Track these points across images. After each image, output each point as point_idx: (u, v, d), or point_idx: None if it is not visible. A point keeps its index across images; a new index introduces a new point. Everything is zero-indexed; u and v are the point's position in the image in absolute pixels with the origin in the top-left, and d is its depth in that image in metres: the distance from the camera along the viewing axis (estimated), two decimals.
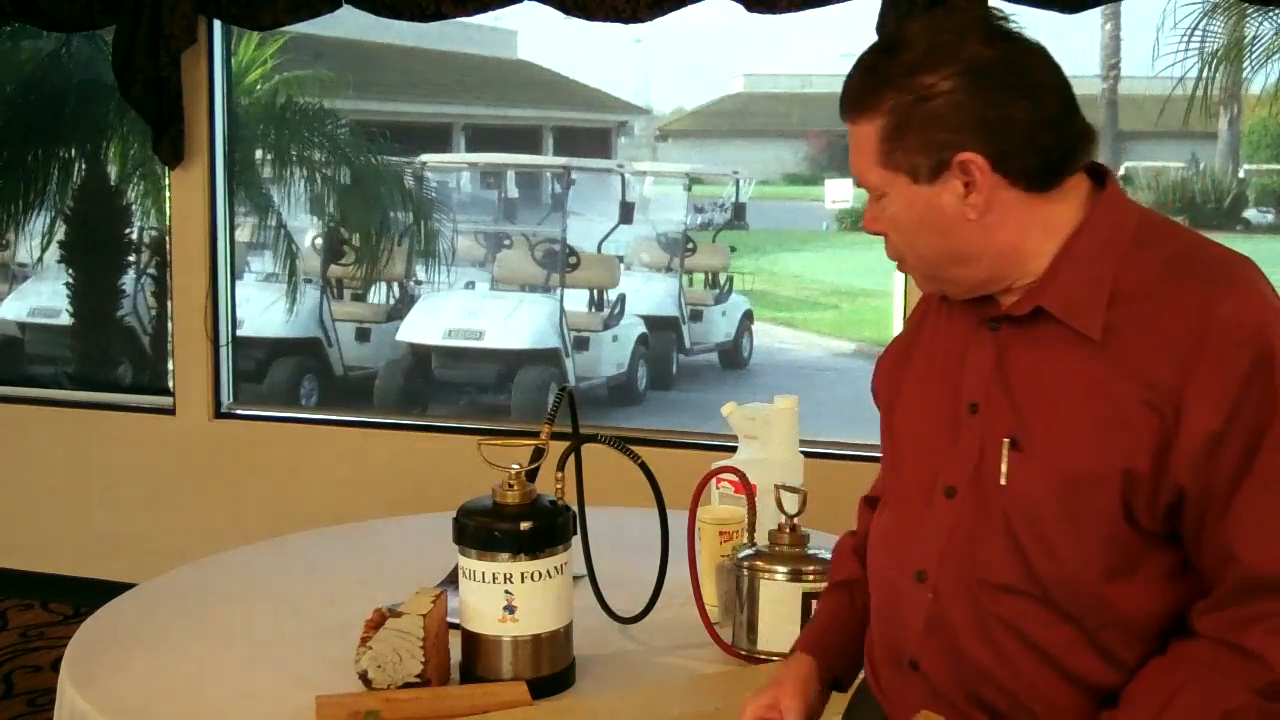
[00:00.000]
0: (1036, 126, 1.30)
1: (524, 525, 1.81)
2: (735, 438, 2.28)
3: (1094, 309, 1.30)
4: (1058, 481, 1.30)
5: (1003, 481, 1.33)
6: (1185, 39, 5.11)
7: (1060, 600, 1.32)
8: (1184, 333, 1.26)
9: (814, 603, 1.74)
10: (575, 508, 1.93)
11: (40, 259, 6.07)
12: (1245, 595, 1.26)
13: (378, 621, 1.86)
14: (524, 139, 13.09)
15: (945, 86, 1.29)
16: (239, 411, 4.39)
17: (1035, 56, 1.32)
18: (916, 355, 1.51)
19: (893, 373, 1.54)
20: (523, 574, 1.82)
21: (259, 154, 6.31)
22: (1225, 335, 1.25)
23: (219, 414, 4.33)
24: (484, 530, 1.82)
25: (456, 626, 1.91)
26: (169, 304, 4.54)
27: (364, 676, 1.84)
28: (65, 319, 6.20)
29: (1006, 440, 1.33)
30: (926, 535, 1.40)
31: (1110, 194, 1.36)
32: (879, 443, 1.56)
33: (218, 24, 4.17)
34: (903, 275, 3.49)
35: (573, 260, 8.60)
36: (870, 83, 1.34)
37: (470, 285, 9.22)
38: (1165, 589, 1.31)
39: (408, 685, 1.84)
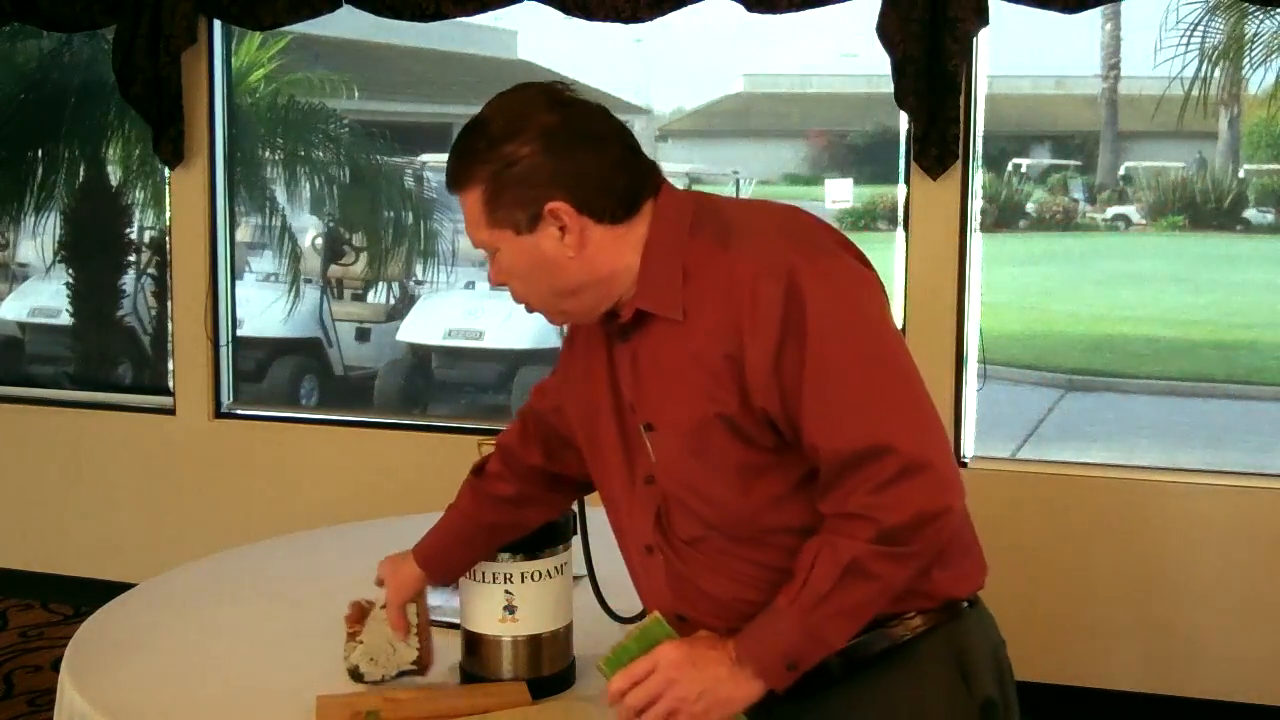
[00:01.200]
0: (606, 170, 1.55)
1: None
2: None
3: (671, 294, 1.55)
4: (679, 442, 1.57)
5: (653, 458, 1.60)
6: (1185, 36, 5.11)
7: (730, 530, 1.58)
8: (729, 287, 1.51)
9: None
10: (575, 508, 1.93)
11: (55, 260, 6.06)
12: (837, 474, 1.49)
13: (359, 615, 1.86)
14: None
15: (525, 151, 1.53)
16: (239, 411, 4.40)
17: (596, 114, 1.57)
18: (577, 367, 1.74)
19: (565, 380, 1.79)
20: (523, 574, 1.82)
21: (260, 153, 6.31)
22: (754, 279, 1.49)
23: (219, 414, 4.33)
24: None
25: (456, 626, 1.91)
26: (169, 304, 4.54)
27: (355, 672, 1.84)
28: (65, 319, 6.19)
29: (643, 425, 1.60)
30: (639, 518, 1.65)
31: (664, 198, 1.59)
32: None
33: (218, 24, 4.17)
34: (902, 273, 3.49)
35: None
36: (464, 161, 1.57)
37: (470, 285, 9.21)
38: (804, 497, 1.54)
39: (402, 674, 1.83)
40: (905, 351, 1.56)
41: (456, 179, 1.58)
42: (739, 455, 1.54)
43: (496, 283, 1.63)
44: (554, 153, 1.53)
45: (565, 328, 1.79)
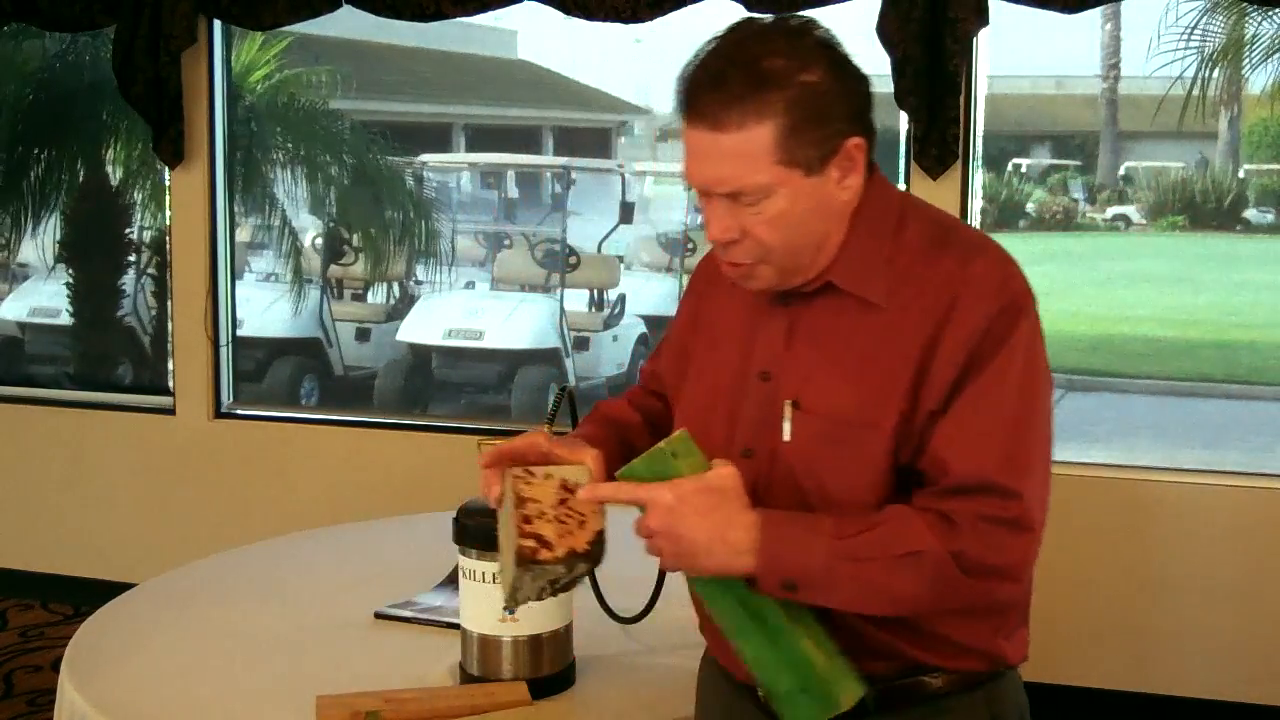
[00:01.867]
0: (871, 108, 1.44)
1: None
2: None
3: (875, 277, 1.46)
4: (832, 435, 1.45)
5: (786, 439, 1.47)
6: (1185, 36, 5.12)
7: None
8: (943, 290, 1.43)
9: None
10: None
11: (59, 260, 6.06)
12: (956, 489, 1.41)
13: (512, 480, 1.49)
14: (524, 139, 13.08)
15: (821, 79, 1.39)
16: (239, 411, 4.40)
17: (842, 46, 1.44)
18: (701, 331, 1.64)
19: (687, 335, 1.67)
20: None
21: (260, 154, 6.31)
22: (976, 288, 1.43)
23: (219, 414, 4.33)
24: (484, 530, 1.82)
25: (456, 626, 1.91)
26: (169, 304, 4.54)
27: (530, 556, 1.44)
28: (65, 319, 6.20)
29: (789, 402, 1.48)
30: None
31: (880, 179, 1.50)
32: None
33: (218, 24, 4.17)
34: None
35: (573, 260, 8.59)
36: (755, 88, 1.38)
37: (470, 285, 9.22)
38: None
39: (576, 556, 1.48)
40: (1052, 437, 1.52)
41: (742, 109, 1.38)
42: (878, 467, 1.45)
43: (726, 239, 1.45)
44: (844, 82, 1.42)
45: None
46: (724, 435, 1.53)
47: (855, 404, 1.44)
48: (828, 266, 1.48)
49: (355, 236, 7.62)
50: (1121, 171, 13.54)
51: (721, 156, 1.40)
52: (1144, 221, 13.57)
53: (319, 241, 8.14)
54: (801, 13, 1.59)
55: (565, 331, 8.22)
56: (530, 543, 1.44)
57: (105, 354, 6.16)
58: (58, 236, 5.94)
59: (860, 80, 1.44)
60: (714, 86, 1.39)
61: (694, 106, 1.41)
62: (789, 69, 1.38)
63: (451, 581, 2.08)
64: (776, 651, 1.44)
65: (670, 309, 9.41)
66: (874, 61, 3.47)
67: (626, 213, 9.36)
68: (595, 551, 1.49)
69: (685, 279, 9.97)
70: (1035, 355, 1.46)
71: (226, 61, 4.30)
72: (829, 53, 1.42)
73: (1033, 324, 1.46)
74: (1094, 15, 3.91)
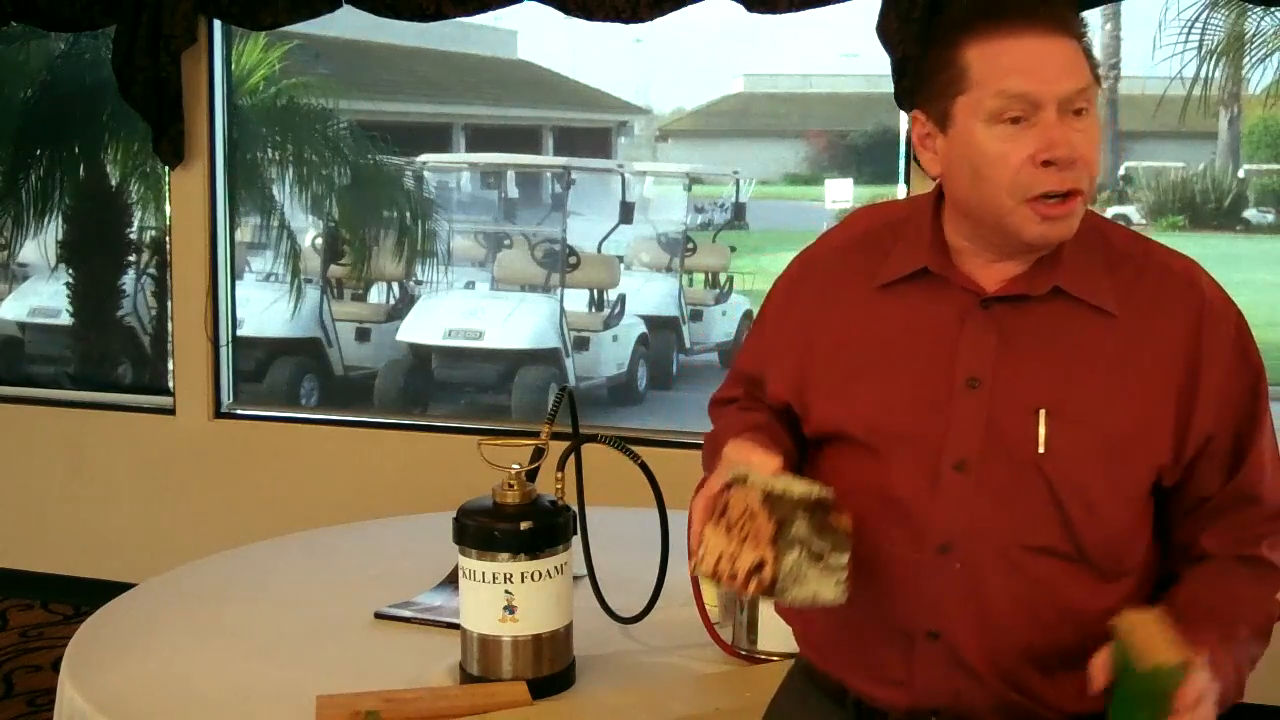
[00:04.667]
0: None
1: (524, 525, 1.81)
2: None
3: (1101, 284, 1.42)
4: (1102, 446, 1.40)
5: (1041, 449, 1.40)
6: (1185, 32, 5.11)
7: (1094, 557, 1.42)
8: (1181, 301, 1.42)
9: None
10: (575, 508, 1.93)
11: (60, 261, 6.06)
12: (1263, 521, 1.45)
13: (731, 503, 1.34)
14: (524, 139, 13.07)
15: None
16: (239, 411, 4.39)
17: None
18: (844, 345, 1.50)
19: (799, 352, 1.54)
20: (523, 574, 1.82)
21: (260, 154, 6.31)
22: (1213, 303, 1.43)
23: (219, 414, 4.33)
24: (484, 530, 1.82)
25: (456, 626, 1.91)
26: (169, 304, 4.54)
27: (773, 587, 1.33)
28: (65, 319, 6.19)
29: (1042, 410, 1.40)
30: (944, 509, 1.42)
31: None
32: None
33: (218, 24, 4.17)
34: None
35: (573, 260, 8.59)
36: (1071, 7, 1.43)
37: (470, 285, 9.21)
38: (1153, 540, 1.47)
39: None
40: None
41: (1068, 21, 1.39)
42: (1145, 483, 1.43)
43: (1070, 156, 1.36)
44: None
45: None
46: (930, 451, 1.43)
47: (1123, 414, 1.40)
48: (1057, 269, 1.42)
49: (355, 237, 7.61)
50: (1121, 171, 13.53)
51: (1078, 61, 1.38)
52: (1144, 221, 13.56)
53: (319, 242, 8.14)
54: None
55: (565, 331, 8.22)
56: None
57: (105, 354, 6.15)
58: (58, 236, 5.93)
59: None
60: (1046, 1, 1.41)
61: (1038, 15, 1.38)
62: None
63: (451, 581, 2.08)
64: None
65: (671, 309, 9.45)
66: (874, 61, 3.48)
67: (626, 213, 9.36)
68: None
69: (685, 279, 9.99)
70: (1262, 369, 1.49)
71: (226, 61, 4.30)
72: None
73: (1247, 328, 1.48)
74: (1094, 15, 3.90)
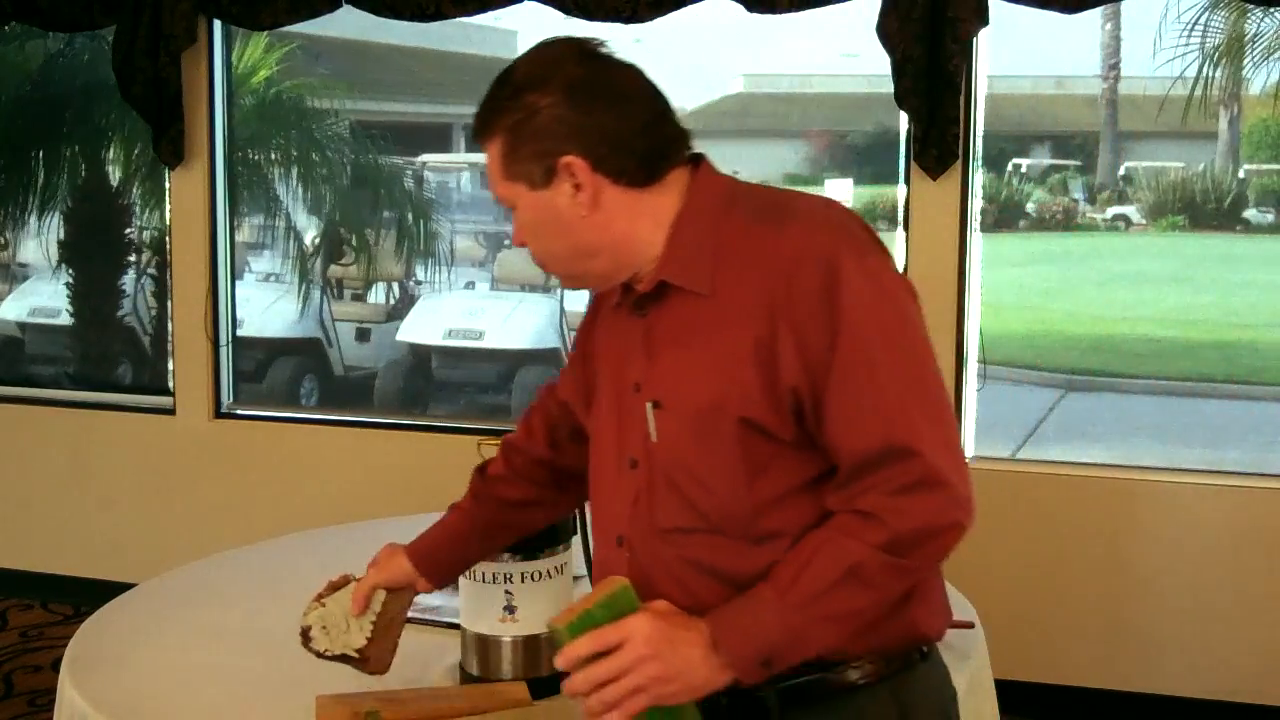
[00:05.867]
0: (629, 130, 1.51)
1: None
2: None
3: (700, 268, 1.50)
4: (693, 423, 1.49)
5: (653, 439, 1.52)
6: (1186, 33, 5.12)
7: (724, 525, 1.49)
8: (765, 265, 1.46)
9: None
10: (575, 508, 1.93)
11: (61, 261, 6.05)
12: (856, 471, 1.44)
13: (339, 585, 1.85)
14: None
15: (547, 103, 1.49)
16: (239, 411, 4.40)
17: (627, 72, 1.53)
18: (588, 346, 1.70)
19: (576, 363, 1.74)
20: (523, 574, 1.82)
21: (261, 154, 6.30)
22: (794, 260, 1.45)
23: (219, 414, 4.33)
24: None
25: (456, 626, 1.91)
26: (169, 304, 4.54)
27: (305, 633, 1.81)
28: (65, 319, 6.19)
29: (649, 404, 1.52)
30: (617, 505, 1.57)
31: (702, 173, 1.56)
32: None
33: (218, 24, 4.17)
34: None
35: None
36: (487, 110, 1.54)
37: (470, 285, 9.21)
38: (810, 499, 1.48)
39: (344, 658, 1.79)
40: (936, 362, 1.52)
41: (480, 128, 1.56)
42: (749, 443, 1.46)
43: (518, 242, 1.59)
44: (576, 106, 1.49)
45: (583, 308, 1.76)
46: (614, 449, 1.58)
47: (704, 388, 1.48)
48: (660, 266, 1.52)
49: (355, 236, 7.61)
50: (1121, 171, 13.52)
51: (491, 169, 1.56)
52: (1144, 222, 13.55)
53: (319, 242, 8.13)
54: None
55: (565, 331, 8.22)
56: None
57: (105, 354, 6.14)
58: (58, 236, 5.93)
59: (604, 103, 1.50)
60: (481, 103, 1.56)
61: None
62: (518, 91, 1.51)
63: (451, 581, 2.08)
64: None
65: None
66: (874, 61, 3.48)
67: None
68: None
69: None
70: (884, 303, 1.47)
71: (226, 62, 4.31)
72: (575, 75, 1.50)
73: (864, 264, 1.46)
74: (1094, 15, 3.91)
